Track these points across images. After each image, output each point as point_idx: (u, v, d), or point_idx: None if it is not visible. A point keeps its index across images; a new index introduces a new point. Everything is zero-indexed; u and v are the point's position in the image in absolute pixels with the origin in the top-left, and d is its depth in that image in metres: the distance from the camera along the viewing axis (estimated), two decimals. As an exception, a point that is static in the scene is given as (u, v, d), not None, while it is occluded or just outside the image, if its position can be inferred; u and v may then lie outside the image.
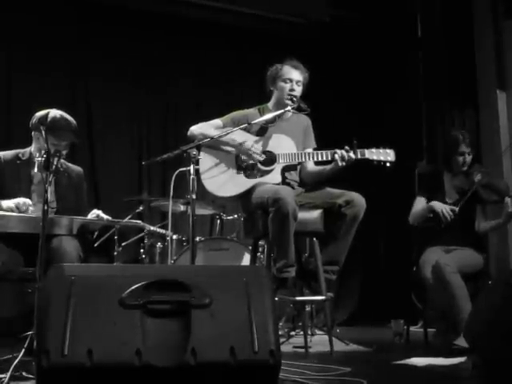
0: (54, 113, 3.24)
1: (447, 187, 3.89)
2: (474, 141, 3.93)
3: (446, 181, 3.91)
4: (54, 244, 3.01)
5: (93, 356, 1.83)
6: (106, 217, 3.27)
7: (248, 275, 2.08)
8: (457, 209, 3.67)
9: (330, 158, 3.39)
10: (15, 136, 5.03)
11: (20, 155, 3.32)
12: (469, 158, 3.85)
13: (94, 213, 3.27)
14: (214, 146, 3.50)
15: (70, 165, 3.47)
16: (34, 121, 3.26)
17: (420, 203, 3.91)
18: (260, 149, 3.51)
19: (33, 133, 3.31)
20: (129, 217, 4.64)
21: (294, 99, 3.54)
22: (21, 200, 3.07)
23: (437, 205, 3.75)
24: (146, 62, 5.96)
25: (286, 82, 3.58)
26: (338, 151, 3.33)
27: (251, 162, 3.48)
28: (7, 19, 5.34)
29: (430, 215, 3.79)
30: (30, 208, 3.06)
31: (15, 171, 3.27)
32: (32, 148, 3.33)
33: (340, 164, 3.33)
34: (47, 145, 2.81)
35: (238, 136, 3.51)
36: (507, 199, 3.59)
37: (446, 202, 3.78)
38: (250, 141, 3.50)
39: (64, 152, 3.24)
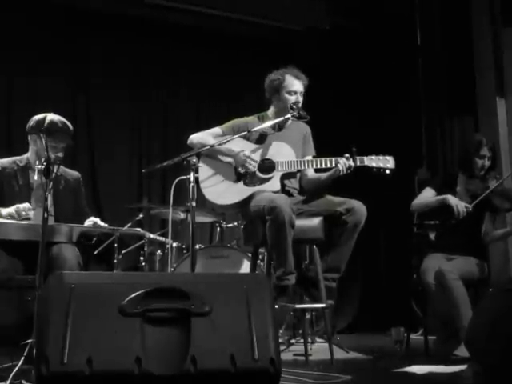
0: (51, 116, 3.27)
1: (460, 189, 3.82)
2: (494, 147, 3.89)
3: (459, 183, 3.87)
4: (54, 251, 3.01)
5: (92, 364, 1.82)
6: (103, 224, 3.27)
7: (248, 283, 2.08)
8: (470, 207, 3.61)
9: (329, 166, 3.39)
10: (15, 143, 5.04)
11: (18, 162, 3.32)
12: (487, 163, 3.80)
13: (91, 220, 3.27)
14: (212, 155, 3.50)
15: (67, 170, 3.47)
16: (31, 124, 3.28)
17: (429, 193, 3.86)
18: (257, 159, 3.51)
19: (29, 136, 3.32)
20: (129, 224, 4.65)
21: (294, 107, 3.55)
22: (21, 205, 3.07)
23: (452, 199, 3.66)
24: (146, 68, 5.99)
25: (290, 95, 3.55)
26: (340, 161, 3.33)
27: (246, 171, 3.48)
28: (8, 28, 5.37)
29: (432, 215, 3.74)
30: (30, 212, 3.05)
31: (13, 178, 3.27)
32: (29, 153, 3.34)
33: (341, 173, 3.34)
34: (47, 151, 2.82)
35: (238, 144, 3.51)
36: None
37: None
38: (247, 150, 3.50)
39: (60, 154, 3.23)
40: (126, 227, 4.59)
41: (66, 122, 3.30)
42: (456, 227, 3.68)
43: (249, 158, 3.46)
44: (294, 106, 3.54)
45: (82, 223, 3.35)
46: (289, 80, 3.58)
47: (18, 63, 5.45)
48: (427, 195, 3.87)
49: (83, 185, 3.55)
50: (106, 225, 3.30)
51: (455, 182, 3.87)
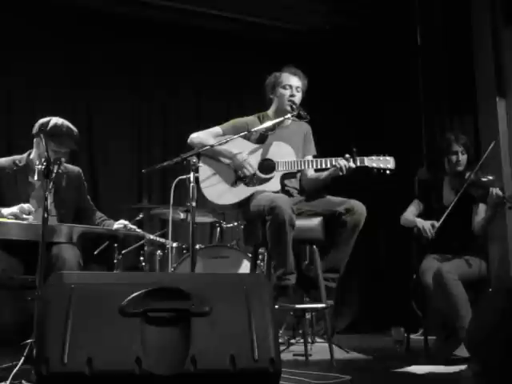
0: (56, 120, 3.28)
1: (446, 190, 3.89)
2: (468, 142, 3.92)
3: (445, 184, 3.92)
4: (54, 252, 3.00)
5: (92, 364, 1.83)
6: (133, 227, 3.33)
7: (248, 283, 2.09)
8: (437, 224, 3.67)
9: (330, 166, 3.39)
10: (15, 143, 5.04)
11: (17, 161, 3.33)
12: (462, 158, 3.84)
13: (121, 223, 3.31)
14: (211, 155, 3.51)
15: (68, 166, 3.48)
16: (35, 127, 3.29)
17: (415, 206, 3.98)
18: (255, 161, 3.50)
19: (34, 139, 3.32)
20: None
21: (294, 106, 3.55)
22: (25, 205, 3.07)
23: (419, 222, 3.79)
24: (147, 68, 5.99)
25: (285, 89, 3.59)
26: (341, 162, 3.33)
27: (245, 175, 3.48)
28: (7, 30, 5.37)
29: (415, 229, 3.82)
30: (31, 214, 3.06)
31: (13, 178, 3.28)
32: (32, 154, 3.34)
33: (342, 174, 3.34)
34: (47, 152, 2.82)
35: (238, 144, 3.51)
36: (491, 189, 3.58)
37: (443, 206, 3.78)
38: (245, 153, 3.50)
39: (63, 159, 3.25)
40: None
41: (71, 126, 3.30)
42: (453, 228, 3.69)
43: (245, 161, 3.46)
44: (294, 106, 3.55)
45: (89, 219, 3.40)
46: (285, 75, 3.62)
47: (17, 63, 5.45)
48: (412, 209, 3.98)
49: (85, 179, 3.56)
50: (135, 227, 3.35)
51: (441, 184, 3.90)
